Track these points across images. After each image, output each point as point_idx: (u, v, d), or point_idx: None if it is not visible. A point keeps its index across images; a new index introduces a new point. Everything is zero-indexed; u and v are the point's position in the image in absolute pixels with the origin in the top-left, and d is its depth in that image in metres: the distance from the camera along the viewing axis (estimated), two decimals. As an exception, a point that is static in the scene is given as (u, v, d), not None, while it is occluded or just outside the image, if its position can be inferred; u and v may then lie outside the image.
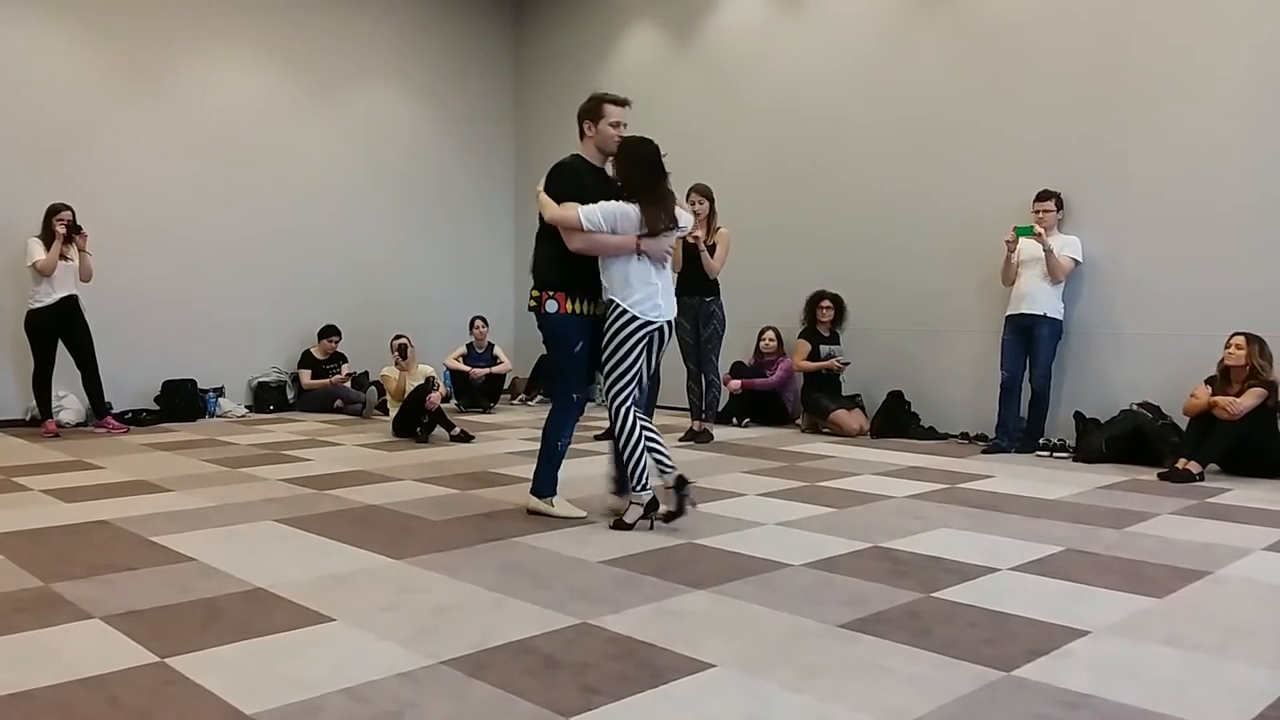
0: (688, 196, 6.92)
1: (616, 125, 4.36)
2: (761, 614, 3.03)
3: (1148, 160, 6.39)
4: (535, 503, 4.47)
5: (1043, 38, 6.85)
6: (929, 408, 7.45)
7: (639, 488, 4.19)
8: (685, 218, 4.42)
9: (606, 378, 4.26)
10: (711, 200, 6.98)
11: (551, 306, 4.28)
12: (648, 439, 4.23)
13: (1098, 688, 2.44)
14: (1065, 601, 3.17)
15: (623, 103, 4.43)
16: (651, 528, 4.18)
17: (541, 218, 4.29)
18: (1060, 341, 6.60)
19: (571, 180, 4.28)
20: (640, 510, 4.19)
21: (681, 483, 4.15)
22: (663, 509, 4.20)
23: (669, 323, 4.28)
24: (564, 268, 4.26)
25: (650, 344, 4.28)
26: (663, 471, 4.21)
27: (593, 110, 4.40)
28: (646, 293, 4.19)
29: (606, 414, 7.47)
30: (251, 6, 9.06)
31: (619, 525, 4.20)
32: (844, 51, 8.00)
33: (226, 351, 8.89)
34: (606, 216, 4.15)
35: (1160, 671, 2.56)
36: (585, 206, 4.15)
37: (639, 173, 4.26)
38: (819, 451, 6.54)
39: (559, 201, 4.21)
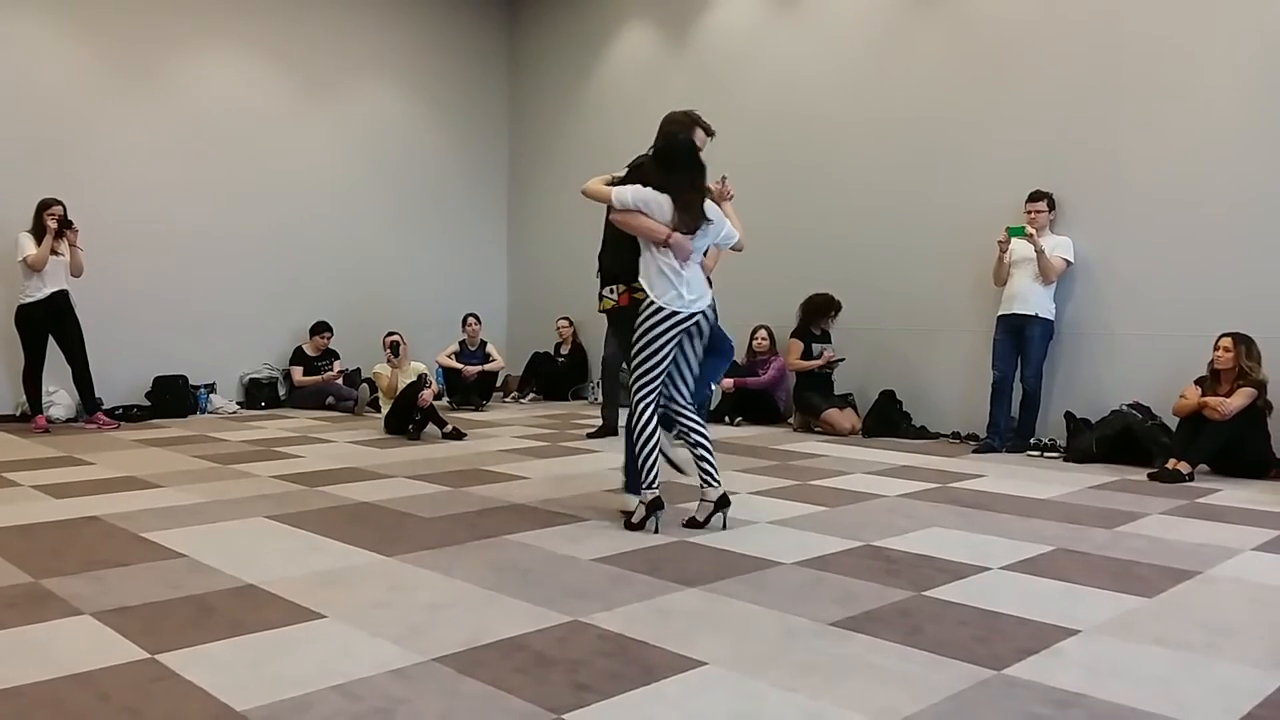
0: None
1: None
2: (753, 612, 3.03)
3: (1139, 161, 6.41)
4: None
5: (1035, 39, 6.87)
6: (921, 407, 7.47)
7: (646, 485, 4.09)
8: (717, 218, 4.24)
9: (632, 371, 4.14)
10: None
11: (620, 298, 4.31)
12: (699, 448, 4.15)
13: (1088, 686, 2.45)
14: (1056, 600, 3.18)
15: (710, 133, 4.41)
16: (656, 530, 4.07)
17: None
18: (1051, 342, 6.61)
19: (639, 176, 4.23)
20: (645, 509, 4.10)
21: (723, 502, 4.13)
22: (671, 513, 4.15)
23: (705, 316, 4.15)
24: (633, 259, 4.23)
25: (686, 338, 4.16)
26: (705, 484, 4.16)
27: (684, 126, 4.34)
28: (673, 283, 4.08)
29: (599, 413, 7.45)
30: (245, 2, 9.04)
31: (628, 525, 4.15)
32: (837, 52, 8.01)
33: (218, 348, 8.87)
34: (637, 199, 4.08)
35: (1150, 670, 2.57)
36: (620, 189, 4.11)
37: (668, 169, 4.15)
38: (811, 450, 6.55)
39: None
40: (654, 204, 4.08)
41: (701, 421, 4.24)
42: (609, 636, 2.79)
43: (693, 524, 4.15)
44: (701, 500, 4.18)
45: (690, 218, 4.08)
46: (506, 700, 2.33)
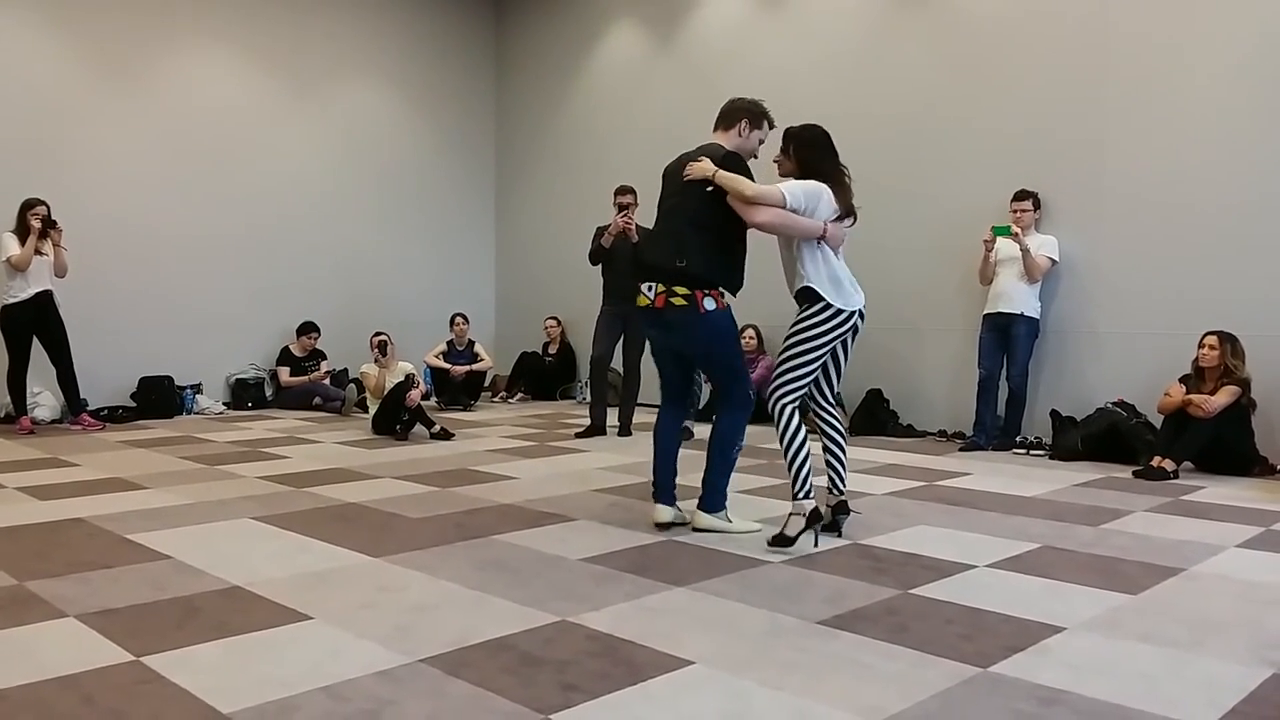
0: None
1: (762, 143, 4.26)
2: (740, 611, 3.04)
3: (1124, 160, 6.45)
4: (707, 520, 4.07)
5: (1021, 38, 6.89)
6: (907, 405, 7.49)
7: (801, 495, 3.83)
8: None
9: (784, 372, 3.90)
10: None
11: (710, 304, 3.96)
12: (830, 452, 4.00)
13: (1073, 684, 2.46)
14: (1041, 598, 3.20)
15: (772, 124, 4.32)
16: (816, 545, 3.81)
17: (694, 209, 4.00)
18: (1037, 340, 6.64)
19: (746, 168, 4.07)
20: (802, 521, 3.81)
21: (841, 508, 3.98)
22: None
23: (861, 313, 3.99)
24: (726, 261, 4.03)
25: (847, 338, 4.00)
26: (830, 490, 4.02)
27: (760, 119, 4.26)
28: (847, 282, 3.96)
29: (588, 412, 7.42)
30: (231, 2, 9.00)
31: (779, 540, 3.80)
32: (824, 50, 8.03)
33: (204, 348, 8.83)
34: (808, 196, 3.88)
35: (1135, 667, 2.59)
36: (785, 184, 3.89)
37: (820, 155, 4.04)
38: (798, 449, 6.56)
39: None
40: (816, 197, 3.91)
41: (842, 422, 4.09)
42: (596, 636, 2.79)
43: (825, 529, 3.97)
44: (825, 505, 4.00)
45: (845, 203, 3.98)
46: (494, 701, 2.33)
